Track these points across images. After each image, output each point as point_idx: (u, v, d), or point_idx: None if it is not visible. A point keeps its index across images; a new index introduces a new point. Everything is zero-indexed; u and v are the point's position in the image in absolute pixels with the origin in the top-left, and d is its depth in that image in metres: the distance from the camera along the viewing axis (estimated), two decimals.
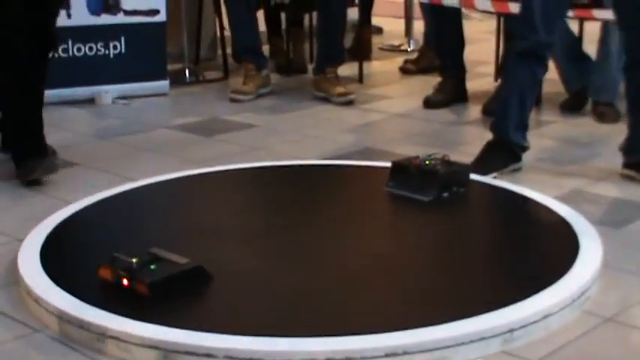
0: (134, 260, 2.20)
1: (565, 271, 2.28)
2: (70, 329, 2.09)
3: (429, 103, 4.27)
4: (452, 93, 4.31)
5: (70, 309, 2.11)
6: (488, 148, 3.26)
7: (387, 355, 1.94)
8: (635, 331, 2.13)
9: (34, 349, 2.08)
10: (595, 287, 2.28)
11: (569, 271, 2.28)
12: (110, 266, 2.21)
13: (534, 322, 2.07)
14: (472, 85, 4.47)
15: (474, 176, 2.98)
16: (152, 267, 2.21)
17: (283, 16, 5.16)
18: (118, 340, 2.01)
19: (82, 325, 2.07)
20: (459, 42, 4.37)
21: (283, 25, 5.19)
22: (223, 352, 1.94)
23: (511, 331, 2.04)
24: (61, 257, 2.46)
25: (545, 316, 2.10)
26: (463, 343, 1.98)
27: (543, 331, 2.09)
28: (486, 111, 4.10)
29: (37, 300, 2.20)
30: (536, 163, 3.45)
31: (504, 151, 3.24)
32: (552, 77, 4.20)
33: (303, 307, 2.16)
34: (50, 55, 3.38)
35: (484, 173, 3.08)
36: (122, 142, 3.77)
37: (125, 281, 2.18)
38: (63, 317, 2.11)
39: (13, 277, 2.39)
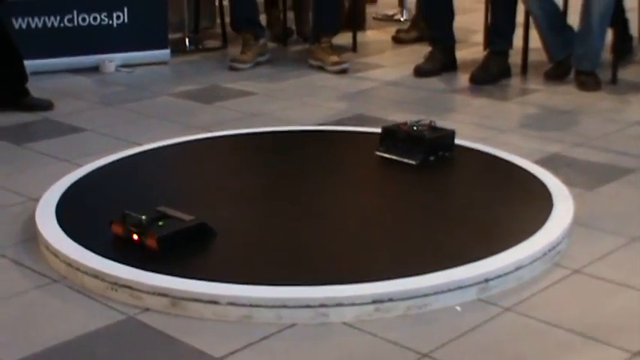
0: (143, 217, 2.39)
1: (538, 227, 2.47)
2: (85, 279, 2.29)
3: (419, 72, 4.44)
4: (441, 62, 4.47)
5: (85, 261, 2.30)
6: None
7: (374, 302, 2.13)
8: (599, 281, 2.32)
9: (53, 297, 2.27)
10: (565, 243, 2.48)
11: (541, 227, 2.48)
12: (122, 222, 2.41)
13: (508, 273, 2.27)
14: (461, 54, 4.63)
15: (458, 141, 3.16)
16: (160, 223, 2.39)
17: None
18: (130, 288, 2.20)
19: (96, 275, 2.26)
20: (449, 13, 4.51)
21: None
22: (226, 299, 2.13)
23: (486, 280, 2.23)
24: (76, 214, 2.64)
25: (518, 268, 2.29)
26: (443, 292, 2.18)
27: (516, 281, 2.28)
28: (474, 79, 4.28)
29: (55, 253, 2.39)
30: (520, 129, 3.64)
31: None
32: (537, 46, 4.37)
33: (298, 260, 2.36)
34: None
35: None
36: (127, 109, 3.94)
37: (135, 236, 2.38)
38: (79, 268, 2.30)
39: (31, 233, 2.58)
